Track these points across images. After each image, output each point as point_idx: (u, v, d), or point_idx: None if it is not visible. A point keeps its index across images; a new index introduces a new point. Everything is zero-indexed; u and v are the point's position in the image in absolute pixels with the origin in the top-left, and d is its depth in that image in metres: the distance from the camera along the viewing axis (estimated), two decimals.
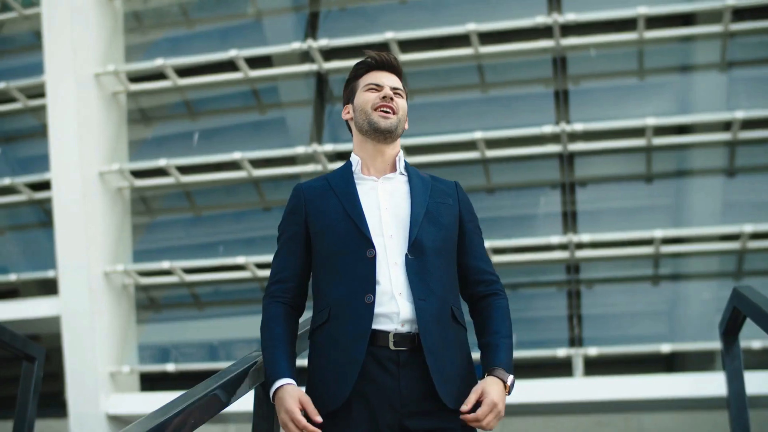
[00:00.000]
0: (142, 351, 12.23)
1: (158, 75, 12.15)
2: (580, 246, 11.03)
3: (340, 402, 2.73)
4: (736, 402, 3.44)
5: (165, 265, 11.79)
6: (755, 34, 11.34)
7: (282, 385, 2.76)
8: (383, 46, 11.42)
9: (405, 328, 2.79)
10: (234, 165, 11.81)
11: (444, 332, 2.82)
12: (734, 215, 11.05)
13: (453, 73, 11.86)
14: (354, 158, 3.06)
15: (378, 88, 3.04)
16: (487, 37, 11.39)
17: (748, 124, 10.82)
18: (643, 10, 10.80)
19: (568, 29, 11.28)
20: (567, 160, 11.31)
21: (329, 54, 11.72)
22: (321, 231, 2.93)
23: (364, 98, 3.04)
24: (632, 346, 10.86)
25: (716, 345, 10.88)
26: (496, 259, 11.02)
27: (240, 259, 11.54)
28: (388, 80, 3.06)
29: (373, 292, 2.79)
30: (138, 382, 12.09)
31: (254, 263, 11.58)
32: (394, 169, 3.04)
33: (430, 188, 3.01)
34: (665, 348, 10.63)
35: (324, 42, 11.55)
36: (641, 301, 11.38)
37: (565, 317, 11.13)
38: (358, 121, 3.05)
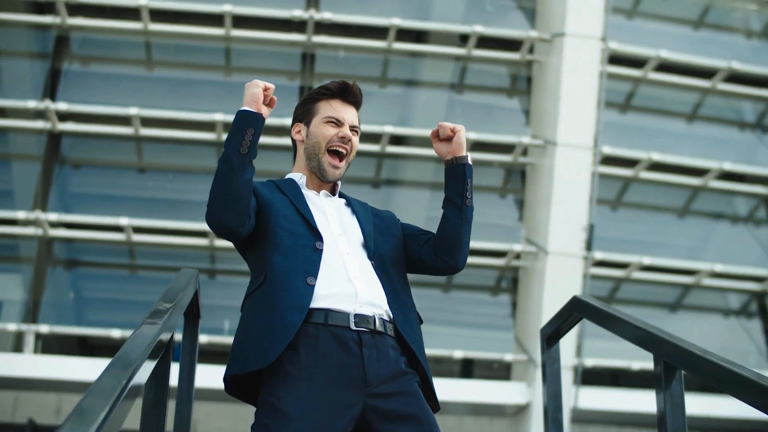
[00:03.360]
0: None
1: None
2: None
3: (267, 361, 2.67)
4: (553, 403, 3.68)
5: None
6: (485, 63, 11.99)
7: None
8: (134, 12, 11.10)
9: (364, 310, 2.80)
10: None
11: (409, 316, 2.92)
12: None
13: (199, 51, 11.70)
14: (296, 174, 3.09)
15: (338, 124, 3.03)
16: (240, 21, 11.33)
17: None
18: (397, 21, 11.14)
19: (322, 27, 11.42)
20: None
21: (74, 9, 11.23)
22: (269, 212, 2.92)
23: (322, 133, 3.02)
24: None
25: None
26: (187, 241, 10.95)
27: None
28: (349, 116, 3.05)
29: (316, 275, 2.80)
30: None
31: None
32: (332, 191, 3.11)
33: (369, 210, 3.13)
34: None
35: None
36: None
37: None
38: (308, 151, 3.05)
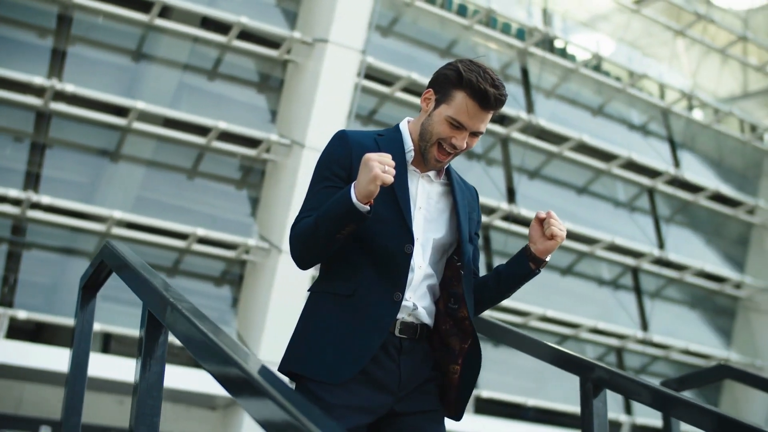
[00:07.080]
0: None
1: None
2: (35, 207, 10.66)
3: (340, 378, 2.73)
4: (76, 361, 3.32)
5: None
6: (238, 54, 12.02)
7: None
8: None
9: (410, 319, 2.86)
10: None
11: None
12: (146, 208, 11.46)
13: None
14: (408, 142, 2.91)
15: (459, 127, 2.80)
16: None
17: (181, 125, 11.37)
18: None
19: None
20: (47, 118, 10.89)
21: None
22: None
23: (439, 128, 2.82)
24: (62, 317, 10.69)
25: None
26: None
27: None
28: (476, 124, 2.80)
29: (403, 291, 2.81)
30: None
31: None
32: (437, 172, 2.96)
33: (468, 202, 2.98)
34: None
35: None
36: (77, 274, 11.27)
37: None
38: (423, 128, 2.87)
